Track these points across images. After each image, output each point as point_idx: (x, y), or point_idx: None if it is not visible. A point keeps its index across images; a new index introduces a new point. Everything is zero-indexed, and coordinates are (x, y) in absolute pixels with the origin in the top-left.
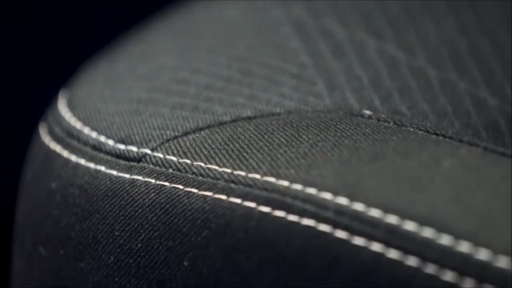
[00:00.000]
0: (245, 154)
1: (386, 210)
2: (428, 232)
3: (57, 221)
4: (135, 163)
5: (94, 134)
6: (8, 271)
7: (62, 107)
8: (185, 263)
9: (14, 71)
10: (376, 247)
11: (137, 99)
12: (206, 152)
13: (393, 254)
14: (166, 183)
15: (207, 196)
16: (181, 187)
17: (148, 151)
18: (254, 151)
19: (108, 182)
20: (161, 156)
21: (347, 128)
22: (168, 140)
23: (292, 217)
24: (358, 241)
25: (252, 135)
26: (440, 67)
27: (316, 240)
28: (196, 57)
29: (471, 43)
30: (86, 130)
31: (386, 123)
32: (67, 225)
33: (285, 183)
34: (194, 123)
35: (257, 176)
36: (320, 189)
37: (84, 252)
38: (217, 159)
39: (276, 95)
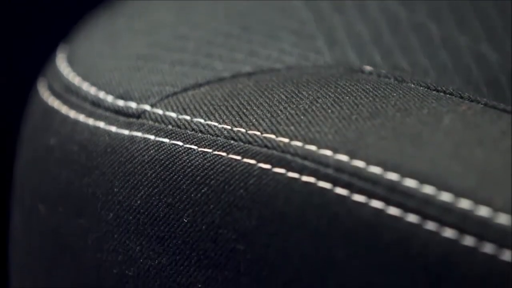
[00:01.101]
0: (244, 110)
1: (386, 167)
2: (428, 189)
3: (56, 178)
4: (134, 119)
5: (93, 90)
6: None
7: (61, 62)
8: (185, 220)
9: (13, 27)
10: (376, 204)
11: (136, 55)
12: (205, 109)
13: (393, 211)
14: (166, 140)
15: (206, 152)
16: (180, 143)
17: (147, 107)
18: (254, 108)
19: (107, 138)
20: (161, 112)
21: (347, 84)
22: (167, 96)
23: (292, 174)
24: (358, 198)
25: (252, 91)
26: (441, 23)
27: (316, 197)
28: (195, 13)
29: None
30: (85, 86)
31: (387, 79)
32: (66, 182)
33: (285, 140)
34: (193, 79)
35: (257, 133)
36: (320, 146)
37: (83, 208)
38: (216, 115)
39: (276, 51)
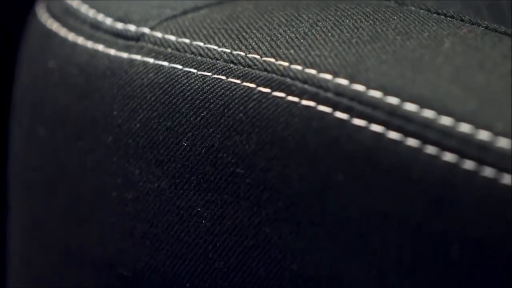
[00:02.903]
0: (244, 33)
1: (386, 91)
2: (428, 113)
3: (55, 101)
4: (134, 42)
5: (91, 12)
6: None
7: None
8: (184, 143)
9: None
10: (376, 128)
11: None
12: (205, 32)
13: (393, 135)
14: (165, 63)
15: (206, 76)
16: (179, 67)
17: (147, 30)
18: (254, 31)
19: (106, 61)
20: (160, 35)
21: (347, 7)
22: (166, 19)
23: (292, 98)
24: (358, 122)
25: (251, 14)
26: None
27: (315, 121)
28: None
29: None
30: (84, 8)
31: (387, 2)
32: (65, 105)
33: (285, 63)
34: (192, 2)
35: (257, 56)
36: (320, 69)
37: (82, 131)
38: (216, 38)
39: None
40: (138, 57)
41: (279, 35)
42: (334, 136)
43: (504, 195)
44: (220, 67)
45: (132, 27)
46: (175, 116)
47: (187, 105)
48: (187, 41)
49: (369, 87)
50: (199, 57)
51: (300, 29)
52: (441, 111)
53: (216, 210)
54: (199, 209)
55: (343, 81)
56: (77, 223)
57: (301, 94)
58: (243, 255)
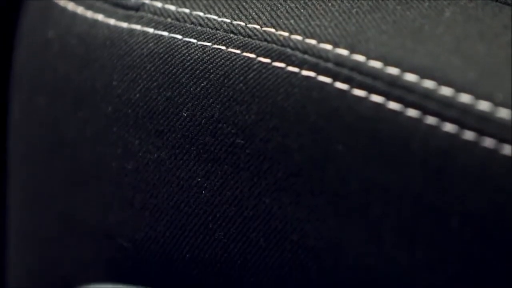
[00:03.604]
0: (244, 3)
1: (387, 61)
2: (428, 84)
3: (54, 70)
4: (133, 12)
5: None
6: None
7: None
8: (184, 114)
9: None
10: (376, 98)
11: None
12: (205, 2)
13: (393, 105)
14: (165, 33)
15: (206, 46)
16: (179, 37)
17: (146, 0)
18: (254, 1)
19: (106, 31)
20: (159, 5)
21: None
22: None
23: (292, 68)
24: (358, 92)
25: None
26: None
27: (315, 91)
28: None
29: None
30: None
31: None
32: (65, 75)
33: (285, 33)
34: None
35: (257, 27)
36: (320, 39)
37: (82, 101)
38: (216, 8)
39: None
40: (137, 27)
41: (279, 5)
42: (334, 106)
43: (504, 165)
44: (220, 37)
45: None
46: (175, 86)
47: (187, 75)
48: (187, 11)
49: (369, 57)
50: (199, 27)
51: None
52: (441, 82)
53: (216, 181)
54: (199, 179)
55: (343, 51)
56: (76, 194)
57: (301, 64)
58: (243, 225)
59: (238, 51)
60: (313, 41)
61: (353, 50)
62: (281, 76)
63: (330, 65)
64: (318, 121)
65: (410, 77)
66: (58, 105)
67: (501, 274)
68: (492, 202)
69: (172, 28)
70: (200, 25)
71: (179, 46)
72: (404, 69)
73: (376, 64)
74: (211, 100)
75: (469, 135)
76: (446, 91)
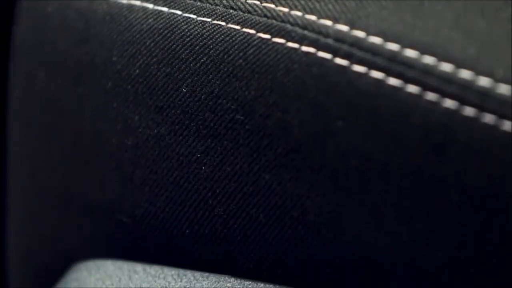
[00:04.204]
0: None
1: (387, 37)
2: (428, 60)
3: (54, 45)
4: None
5: None
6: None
7: None
8: (184, 90)
9: None
10: (376, 74)
11: None
12: None
13: (393, 81)
14: (164, 9)
15: (205, 22)
16: (179, 12)
17: None
18: None
19: (106, 7)
20: None
21: None
22: None
23: (292, 44)
24: (358, 68)
25: None
26: None
27: (315, 67)
28: None
29: None
30: None
31: None
32: (65, 49)
33: (285, 9)
34: None
35: (257, 2)
36: (320, 15)
37: (82, 77)
38: None
39: None
40: (137, 2)
41: None
42: (334, 82)
43: (504, 141)
44: (219, 13)
45: None
46: (175, 62)
47: (187, 51)
48: None
49: (369, 33)
50: (198, 3)
51: None
52: (441, 57)
53: (215, 157)
54: (198, 155)
55: (343, 27)
56: (76, 169)
57: (301, 40)
58: (243, 201)
59: (237, 27)
60: (313, 17)
61: (353, 26)
62: (281, 52)
63: (330, 41)
64: (318, 97)
65: (410, 53)
66: (57, 80)
67: (501, 249)
68: (492, 178)
69: (172, 3)
70: (200, 0)
71: (179, 22)
72: (404, 45)
73: (376, 40)
74: (211, 76)
75: (469, 111)
76: (446, 67)
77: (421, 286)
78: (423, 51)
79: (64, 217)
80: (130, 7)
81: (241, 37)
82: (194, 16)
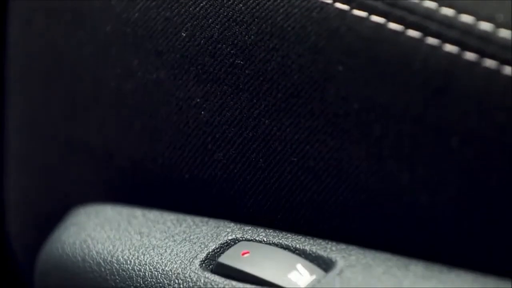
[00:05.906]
0: None
1: None
2: (429, 4)
3: None
4: None
5: None
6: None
7: None
8: (183, 34)
9: None
10: (376, 19)
11: None
12: None
13: (393, 26)
14: None
15: None
16: None
17: None
18: None
19: None
20: None
21: None
22: None
23: None
24: (358, 12)
25: None
26: None
27: (315, 12)
28: None
29: None
30: None
31: None
32: None
33: None
34: None
35: None
36: None
37: (81, 20)
38: None
39: None
40: None
41: None
42: (334, 27)
43: (505, 86)
44: None
45: None
46: (174, 6)
47: None
48: None
49: None
50: None
51: None
52: (442, 2)
53: (215, 102)
54: (198, 100)
55: None
56: (76, 114)
57: None
58: (243, 146)
59: None
60: None
61: None
62: None
63: None
64: (318, 42)
65: None
66: (56, 26)
67: (501, 193)
68: (492, 122)
69: None
70: None
71: None
72: None
73: None
74: (211, 20)
75: (470, 55)
76: (447, 11)
77: (421, 230)
78: None
79: (63, 162)
80: None
81: None
82: None
